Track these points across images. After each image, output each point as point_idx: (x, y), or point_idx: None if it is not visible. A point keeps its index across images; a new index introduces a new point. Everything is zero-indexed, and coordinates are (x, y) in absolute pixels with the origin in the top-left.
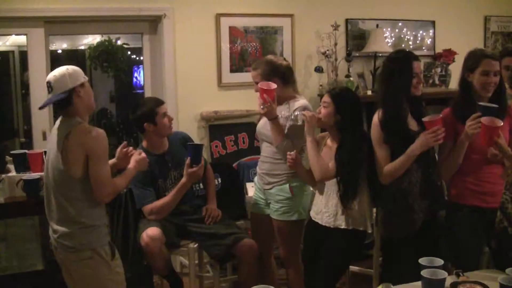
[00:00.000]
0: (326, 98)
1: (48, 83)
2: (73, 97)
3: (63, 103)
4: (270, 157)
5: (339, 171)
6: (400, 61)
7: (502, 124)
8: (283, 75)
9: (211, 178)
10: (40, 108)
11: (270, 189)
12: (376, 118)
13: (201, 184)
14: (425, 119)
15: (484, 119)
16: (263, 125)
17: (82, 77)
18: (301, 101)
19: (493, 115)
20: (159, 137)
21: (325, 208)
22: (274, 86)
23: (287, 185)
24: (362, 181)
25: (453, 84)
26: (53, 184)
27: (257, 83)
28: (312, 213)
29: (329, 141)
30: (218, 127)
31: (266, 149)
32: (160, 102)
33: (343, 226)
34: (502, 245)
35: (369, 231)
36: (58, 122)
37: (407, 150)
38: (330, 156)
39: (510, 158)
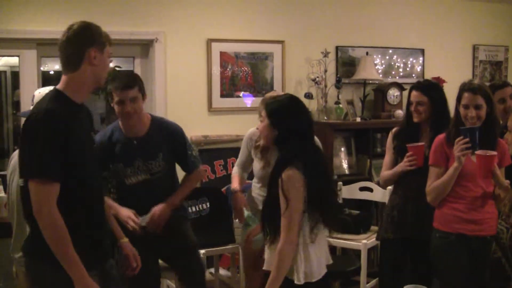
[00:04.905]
0: (263, 110)
1: (33, 96)
2: None
3: None
4: None
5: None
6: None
7: (496, 153)
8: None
9: (192, 180)
10: (18, 115)
11: None
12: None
13: (193, 208)
14: (408, 144)
15: (478, 152)
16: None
17: None
18: None
19: (474, 135)
20: (122, 119)
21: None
22: None
23: None
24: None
25: None
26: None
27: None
28: None
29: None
30: (208, 151)
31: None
32: (121, 86)
33: (264, 267)
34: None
35: (298, 283)
36: None
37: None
38: None
39: (505, 190)
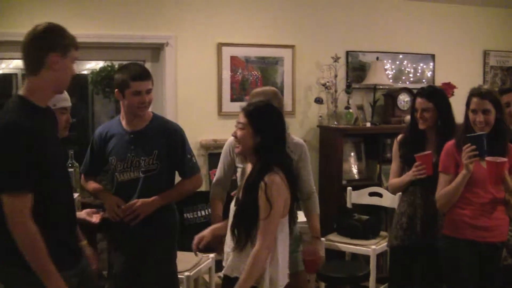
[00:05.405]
0: (241, 117)
1: None
2: None
3: None
4: None
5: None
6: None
7: (506, 160)
8: None
9: (187, 184)
10: None
11: None
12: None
13: (201, 212)
14: (417, 154)
15: (488, 158)
16: None
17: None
18: None
19: (481, 142)
20: (128, 112)
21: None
22: None
23: None
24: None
25: None
26: None
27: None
28: None
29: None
30: (217, 155)
31: None
32: (139, 76)
33: (225, 271)
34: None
35: None
36: None
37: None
38: None
39: None
